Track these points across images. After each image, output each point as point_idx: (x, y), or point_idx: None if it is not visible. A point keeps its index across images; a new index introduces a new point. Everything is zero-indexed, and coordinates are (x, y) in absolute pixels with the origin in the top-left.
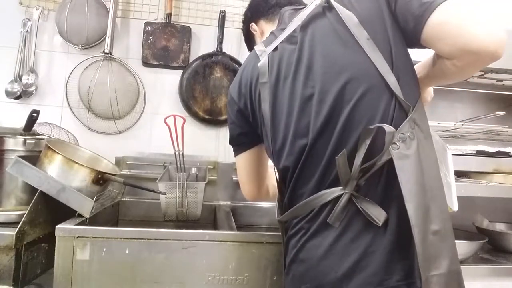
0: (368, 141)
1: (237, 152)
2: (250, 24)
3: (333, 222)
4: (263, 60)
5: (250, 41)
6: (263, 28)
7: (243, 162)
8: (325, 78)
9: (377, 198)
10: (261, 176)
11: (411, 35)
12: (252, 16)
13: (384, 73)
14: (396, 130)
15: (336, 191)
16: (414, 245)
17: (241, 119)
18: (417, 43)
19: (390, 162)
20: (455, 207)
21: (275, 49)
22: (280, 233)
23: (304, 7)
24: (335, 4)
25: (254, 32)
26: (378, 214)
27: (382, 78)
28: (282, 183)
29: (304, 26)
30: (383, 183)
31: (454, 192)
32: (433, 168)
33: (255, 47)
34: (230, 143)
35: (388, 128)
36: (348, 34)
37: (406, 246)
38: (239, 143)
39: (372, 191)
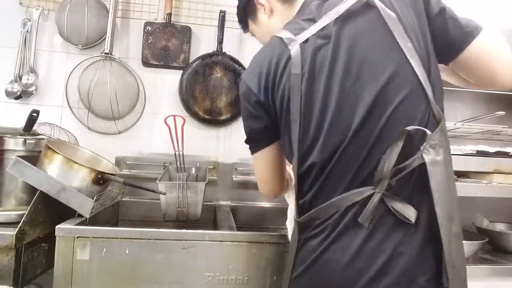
0: (401, 143)
1: (257, 148)
2: None
3: (363, 222)
4: (295, 50)
5: (247, 14)
6: (275, 7)
7: (265, 158)
8: (365, 77)
9: (407, 199)
10: (284, 171)
11: (444, 58)
12: None
13: (422, 80)
14: (428, 137)
15: (366, 190)
16: (441, 245)
17: (260, 111)
18: (445, 64)
19: (421, 166)
20: None
21: (306, 40)
22: (277, 233)
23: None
24: (377, 2)
25: (259, 6)
26: (409, 212)
27: (420, 84)
28: (304, 181)
29: (341, 21)
30: (413, 186)
31: None
32: (453, 176)
33: (280, 34)
34: (249, 139)
35: (427, 130)
36: (389, 35)
37: (434, 246)
38: (259, 138)
39: (402, 192)
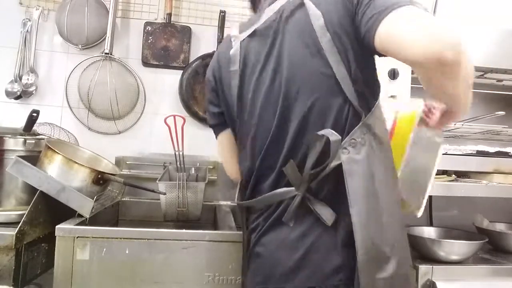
0: (318, 146)
1: (218, 130)
2: None
3: (287, 221)
4: (235, 48)
5: None
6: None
7: (224, 141)
8: (287, 81)
9: (328, 200)
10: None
11: (369, 47)
12: None
13: (340, 78)
14: (348, 135)
15: (290, 191)
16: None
17: (216, 98)
18: (374, 51)
19: (339, 165)
20: (420, 213)
21: (248, 37)
22: None
23: None
24: (306, 1)
25: None
26: (328, 215)
27: (337, 83)
28: (244, 181)
29: (278, 21)
30: (334, 186)
31: (426, 196)
32: (385, 173)
33: (231, 31)
34: (210, 122)
35: (333, 137)
36: (313, 35)
37: (350, 248)
38: (219, 122)
39: (323, 193)
